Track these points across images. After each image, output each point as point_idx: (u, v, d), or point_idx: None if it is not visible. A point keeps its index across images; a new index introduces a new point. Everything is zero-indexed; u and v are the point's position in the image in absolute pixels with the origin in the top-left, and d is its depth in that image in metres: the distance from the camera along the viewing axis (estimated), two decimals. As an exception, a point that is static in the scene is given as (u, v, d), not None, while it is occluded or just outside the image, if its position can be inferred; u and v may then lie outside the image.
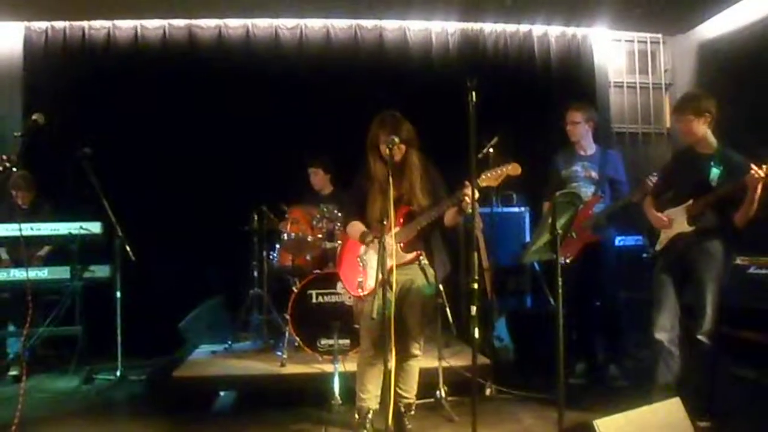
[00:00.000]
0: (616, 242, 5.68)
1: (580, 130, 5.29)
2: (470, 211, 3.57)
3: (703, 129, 4.05)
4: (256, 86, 7.08)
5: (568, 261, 5.01)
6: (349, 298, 4.64)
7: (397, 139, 3.66)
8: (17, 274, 5.54)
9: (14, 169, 3.61)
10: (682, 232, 4.10)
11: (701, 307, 4.01)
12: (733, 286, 4.68)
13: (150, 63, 7.20)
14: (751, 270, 5.07)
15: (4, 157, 3.57)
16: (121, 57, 7.20)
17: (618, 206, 5.09)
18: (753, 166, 3.75)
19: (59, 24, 7.21)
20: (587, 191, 5.21)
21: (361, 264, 3.96)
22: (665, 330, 4.10)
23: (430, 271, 3.93)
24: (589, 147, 5.35)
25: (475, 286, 3.25)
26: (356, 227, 3.96)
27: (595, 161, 5.28)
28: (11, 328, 5.79)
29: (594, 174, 5.24)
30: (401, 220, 3.81)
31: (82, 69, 7.10)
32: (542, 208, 5.43)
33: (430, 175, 3.94)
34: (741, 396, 4.64)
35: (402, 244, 3.81)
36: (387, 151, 3.62)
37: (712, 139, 4.09)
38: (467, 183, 3.52)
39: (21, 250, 5.60)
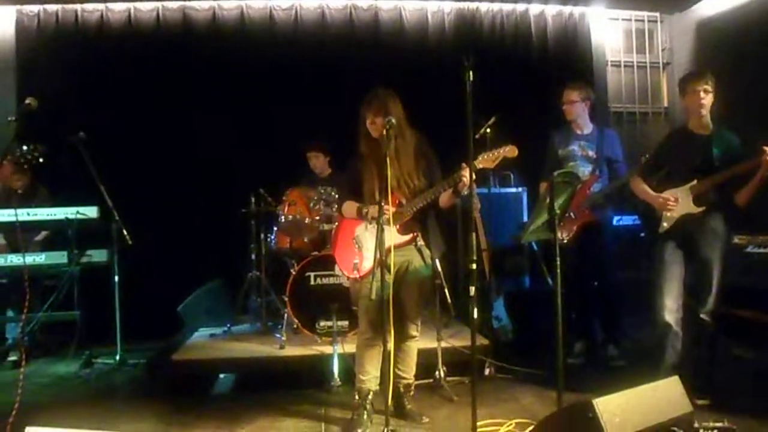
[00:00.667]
0: (614, 222, 5.67)
1: (577, 109, 5.27)
2: (467, 192, 3.56)
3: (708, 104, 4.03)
4: (251, 68, 7.05)
5: (565, 240, 5.01)
6: (347, 279, 4.64)
7: (393, 120, 3.64)
8: (14, 259, 5.53)
9: (41, 160, 3.63)
10: (688, 213, 4.06)
11: (706, 287, 4.03)
12: (731, 265, 4.68)
13: (144, 46, 7.14)
14: (749, 249, 5.07)
15: (30, 147, 3.59)
16: (115, 40, 7.15)
17: (616, 186, 5.07)
18: (766, 148, 3.76)
19: (51, 7, 7.14)
20: (584, 170, 5.20)
21: (356, 245, 3.96)
22: (672, 312, 4.09)
23: (427, 252, 3.94)
24: (586, 126, 5.32)
25: (474, 266, 3.24)
26: (351, 206, 3.96)
27: (592, 140, 5.25)
28: (9, 313, 5.79)
29: (591, 153, 5.22)
30: (396, 202, 3.79)
31: (75, 52, 7.04)
32: (539, 189, 5.41)
33: (425, 155, 3.92)
34: (739, 374, 4.67)
35: (398, 226, 3.80)
36: (384, 131, 3.60)
37: (709, 120, 4.08)
38: (464, 165, 3.50)
39: (18, 235, 5.58)
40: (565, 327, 3.51)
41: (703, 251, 4.05)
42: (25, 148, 3.77)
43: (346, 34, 7.43)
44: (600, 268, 5.25)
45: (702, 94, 4.01)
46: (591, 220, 5.10)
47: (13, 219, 5.28)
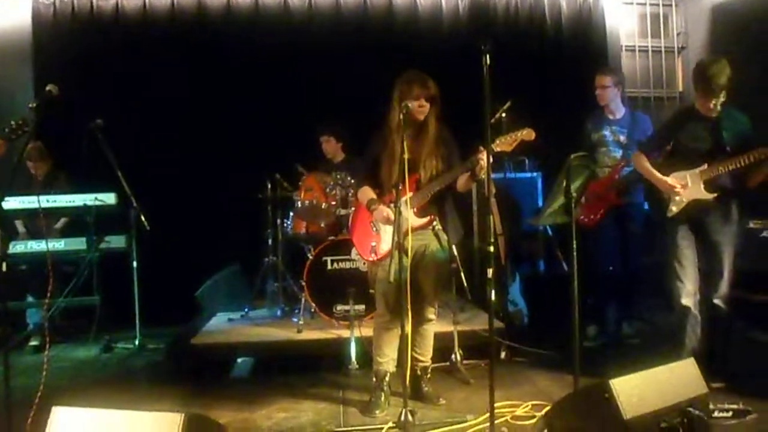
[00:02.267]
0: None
1: (609, 94, 5.31)
2: (484, 176, 3.58)
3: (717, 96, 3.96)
4: (266, 54, 7.06)
5: (586, 221, 5.11)
6: (364, 264, 4.68)
7: (410, 105, 3.67)
8: (35, 246, 5.61)
9: (26, 129, 3.64)
10: (699, 198, 4.02)
11: (719, 271, 4.02)
12: (745, 250, 4.68)
13: (159, 33, 7.16)
14: (764, 234, 5.06)
15: (19, 122, 3.60)
16: (130, 27, 7.17)
17: None
18: None
19: (68, -4, 7.19)
20: (616, 155, 5.26)
21: (374, 228, 3.98)
22: (690, 295, 4.08)
23: (444, 236, 3.96)
24: (618, 110, 5.37)
25: (491, 249, 3.27)
26: (366, 193, 3.96)
27: (623, 125, 5.30)
28: (30, 299, 5.87)
29: (622, 138, 5.26)
30: (414, 185, 3.81)
31: (91, 41, 7.07)
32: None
33: (445, 139, 3.93)
34: (753, 358, 4.66)
35: (415, 209, 3.83)
36: (401, 116, 3.61)
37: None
38: (482, 148, 3.51)
39: (39, 222, 5.65)
40: (580, 311, 3.53)
41: (714, 237, 4.04)
42: (13, 123, 3.77)
43: (361, 21, 7.42)
44: (623, 251, 5.28)
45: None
46: (618, 203, 5.15)
47: (34, 206, 5.33)
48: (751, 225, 5.11)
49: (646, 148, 4.35)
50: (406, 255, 3.54)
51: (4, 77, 7.02)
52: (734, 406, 3.56)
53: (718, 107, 3.97)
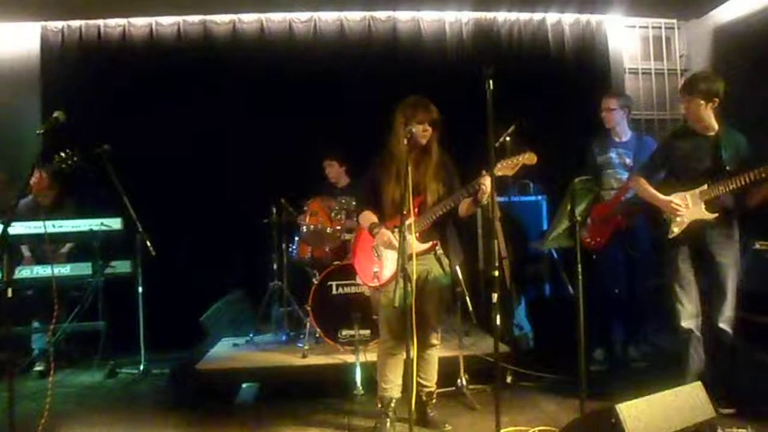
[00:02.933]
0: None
1: (616, 116, 5.33)
2: (485, 202, 3.58)
3: (708, 113, 3.98)
4: (271, 79, 7.10)
5: (592, 243, 5.13)
6: (367, 288, 4.67)
7: (414, 129, 3.69)
8: (40, 270, 5.62)
9: (75, 159, 3.70)
10: (700, 218, 3.99)
11: (722, 294, 3.97)
12: (751, 271, 4.65)
13: (166, 59, 7.24)
14: (770, 255, 5.05)
15: (68, 152, 3.65)
16: (137, 54, 7.25)
17: None
18: None
19: (75, 23, 7.27)
20: (622, 177, 5.27)
21: (376, 254, 3.98)
22: (692, 317, 4.04)
23: (446, 261, 3.96)
24: (624, 133, 5.38)
25: (496, 274, 3.26)
26: (367, 217, 3.97)
27: (629, 147, 5.31)
28: (36, 324, 5.86)
29: (628, 161, 5.27)
30: (416, 210, 3.82)
31: (99, 67, 7.15)
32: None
33: (446, 163, 3.95)
34: (761, 381, 4.62)
35: (418, 234, 3.83)
36: (405, 140, 3.63)
37: (714, 122, 4.01)
38: (484, 173, 3.52)
39: (45, 247, 5.67)
40: (586, 334, 3.51)
41: (717, 259, 3.99)
42: (63, 154, 3.84)
43: (365, 45, 7.48)
44: (629, 274, 5.26)
45: (688, 107, 4.03)
46: (624, 226, 5.14)
47: (40, 231, 5.34)
48: (757, 246, 5.09)
49: (643, 171, 4.35)
50: (410, 280, 3.53)
51: (13, 103, 7.11)
52: (743, 431, 3.53)
53: (713, 123, 3.98)
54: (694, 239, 4.06)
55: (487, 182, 3.51)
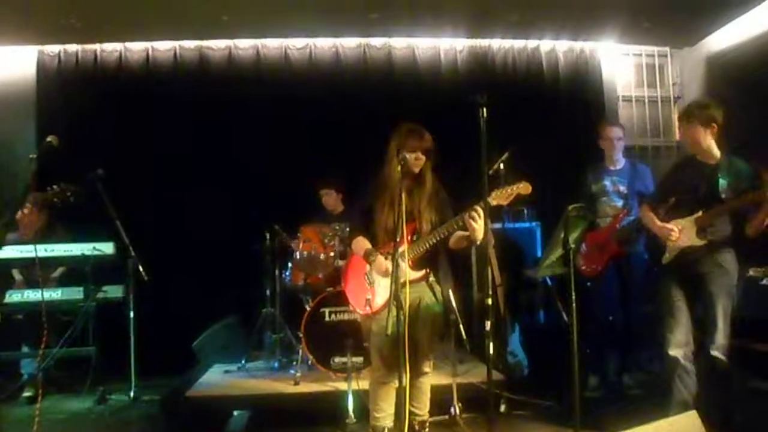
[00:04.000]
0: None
1: (618, 145, 5.38)
2: (479, 237, 3.56)
3: (709, 139, 4.00)
4: (266, 106, 7.14)
5: (587, 270, 5.16)
6: (359, 316, 4.64)
7: (408, 157, 3.69)
8: (31, 295, 5.58)
9: (72, 199, 3.68)
10: (691, 245, 4.00)
11: (713, 322, 3.93)
12: (745, 298, 4.64)
13: (161, 84, 7.28)
14: (764, 282, 5.04)
15: (62, 186, 3.63)
16: (133, 79, 7.29)
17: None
18: None
19: (72, 47, 7.31)
20: (616, 205, 5.30)
21: (368, 281, 3.94)
22: (680, 346, 4.03)
23: (438, 288, 3.92)
24: (619, 161, 5.42)
25: (490, 302, 3.25)
26: (361, 243, 3.94)
27: (623, 175, 5.34)
28: (25, 349, 5.81)
29: (622, 188, 5.30)
30: (409, 237, 3.80)
31: (95, 91, 7.16)
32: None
33: (439, 193, 3.94)
34: (757, 409, 4.59)
35: (411, 262, 3.80)
36: (399, 167, 3.63)
37: (716, 149, 4.03)
38: (476, 208, 3.50)
39: (35, 272, 5.62)
40: (580, 362, 3.49)
41: (708, 286, 3.97)
42: (56, 188, 3.81)
43: (360, 72, 7.53)
44: (624, 301, 5.26)
45: (686, 133, 4.05)
46: (620, 253, 5.16)
47: (32, 255, 5.30)
48: (751, 273, 5.09)
49: (651, 200, 4.39)
50: (402, 308, 3.50)
51: (8, 127, 7.12)
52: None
53: (714, 151, 3.99)
54: (686, 266, 4.06)
55: (473, 215, 3.49)
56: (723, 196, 3.94)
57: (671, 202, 4.23)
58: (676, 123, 8.09)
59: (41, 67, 7.28)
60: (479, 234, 3.52)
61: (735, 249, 4.02)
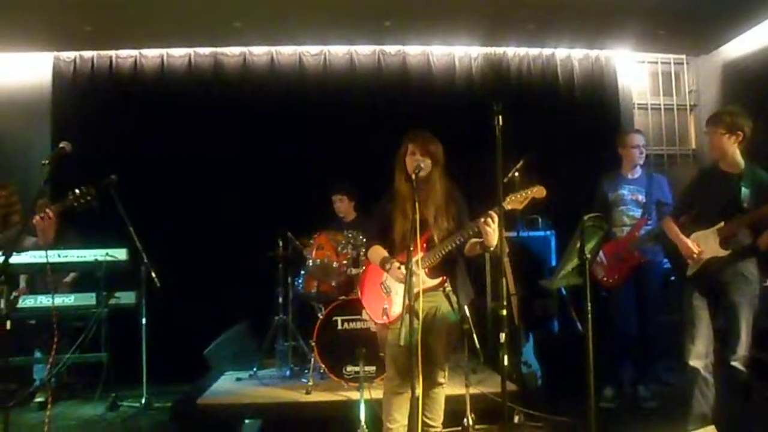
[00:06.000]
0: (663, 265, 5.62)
1: (640, 153, 5.36)
2: (493, 243, 3.52)
3: (732, 147, 3.96)
4: (280, 112, 7.16)
5: (610, 281, 5.18)
6: (374, 325, 4.60)
7: (423, 164, 3.65)
8: (43, 300, 5.56)
9: (93, 204, 3.67)
10: (715, 256, 3.95)
11: (735, 333, 3.88)
12: (764, 309, 4.56)
13: (176, 90, 7.30)
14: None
15: (83, 190, 3.61)
16: (148, 85, 7.32)
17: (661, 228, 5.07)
18: None
19: (87, 53, 7.36)
20: (635, 214, 5.27)
21: (384, 290, 3.90)
22: (700, 357, 3.96)
23: (454, 298, 3.87)
24: (636, 170, 5.40)
25: (504, 312, 3.20)
26: (377, 252, 3.90)
27: (641, 184, 5.32)
28: (38, 354, 5.80)
29: (640, 197, 5.28)
30: (424, 245, 3.76)
31: (110, 97, 7.22)
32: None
33: (455, 198, 3.89)
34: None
35: (426, 270, 3.76)
36: (414, 174, 3.60)
37: (740, 158, 3.99)
38: (491, 213, 3.46)
39: (47, 277, 5.62)
40: (595, 372, 3.44)
41: (731, 296, 3.93)
42: (78, 191, 3.80)
43: (375, 79, 7.53)
44: (640, 311, 5.22)
45: (711, 139, 4.01)
46: (640, 262, 5.14)
47: (43, 261, 5.30)
48: None
49: (675, 212, 4.34)
50: (417, 318, 3.46)
51: (23, 133, 7.17)
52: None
53: (738, 160, 3.95)
54: (709, 277, 4.01)
55: (487, 220, 3.46)
56: (745, 205, 3.90)
57: (693, 213, 4.18)
58: (692, 130, 8.06)
59: (57, 73, 7.32)
60: (493, 239, 3.48)
61: (759, 259, 3.96)
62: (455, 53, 7.66)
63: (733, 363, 3.88)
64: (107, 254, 5.53)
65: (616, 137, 5.55)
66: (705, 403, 3.95)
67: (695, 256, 3.99)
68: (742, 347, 3.88)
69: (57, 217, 5.43)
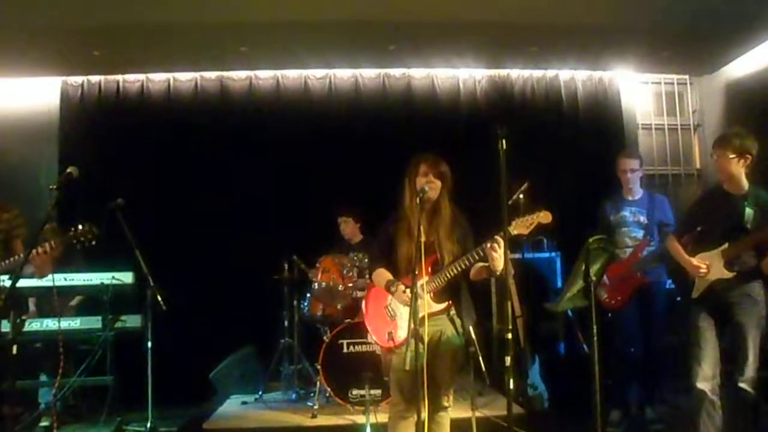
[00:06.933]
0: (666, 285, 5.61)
1: (635, 176, 5.37)
2: (499, 268, 3.52)
3: (739, 169, 3.95)
4: (286, 135, 7.19)
5: (613, 302, 5.14)
6: (380, 349, 4.58)
7: (427, 188, 3.66)
8: (49, 323, 5.57)
9: (93, 243, 3.68)
10: (720, 278, 3.94)
11: (743, 354, 3.87)
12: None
13: (182, 114, 7.35)
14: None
15: (85, 227, 3.62)
16: (155, 109, 7.38)
17: (664, 249, 5.06)
18: None
19: (95, 78, 7.42)
20: (637, 235, 5.28)
21: (389, 314, 3.89)
22: (707, 379, 3.94)
23: (459, 321, 3.86)
24: (637, 192, 5.41)
25: (509, 336, 3.20)
26: (382, 275, 3.88)
27: (642, 206, 5.33)
28: (43, 377, 5.80)
29: (642, 219, 5.29)
30: (429, 269, 3.76)
31: (117, 121, 7.27)
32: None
33: (460, 222, 3.89)
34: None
35: (432, 294, 3.76)
36: (417, 199, 3.60)
37: (745, 180, 3.99)
38: (497, 238, 3.46)
39: (53, 300, 5.63)
40: (601, 395, 3.42)
41: (738, 317, 3.92)
42: (79, 229, 3.81)
43: (380, 102, 7.56)
44: (648, 331, 5.21)
45: (718, 161, 4.00)
46: (644, 282, 5.14)
47: (49, 284, 5.30)
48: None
49: (677, 231, 4.34)
50: (422, 342, 3.45)
51: (31, 157, 7.21)
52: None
53: (742, 181, 3.95)
54: (716, 298, 4.00)
55: (494, 245, 3.45)
56: (748, 226, 3.90)
57: (696, 233, 4.18)
58: (697, 151, 8.06)
59: (65, 97, 7.38)
60: (500, 264, 3.48)
61: (765, 280, 3.94)
62: (459, 76, 7.70)
63: (741, 384, 3.86)
64: (113, 278, 5.55)
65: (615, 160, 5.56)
66: (712, 425, 3.93)
67: (701, 272, 3.97)
68: (750, 369, 3.86)
69: (54, 251, 5.44)
